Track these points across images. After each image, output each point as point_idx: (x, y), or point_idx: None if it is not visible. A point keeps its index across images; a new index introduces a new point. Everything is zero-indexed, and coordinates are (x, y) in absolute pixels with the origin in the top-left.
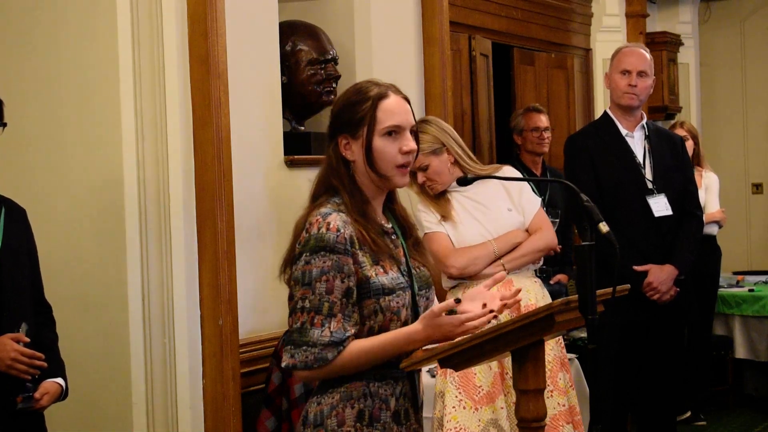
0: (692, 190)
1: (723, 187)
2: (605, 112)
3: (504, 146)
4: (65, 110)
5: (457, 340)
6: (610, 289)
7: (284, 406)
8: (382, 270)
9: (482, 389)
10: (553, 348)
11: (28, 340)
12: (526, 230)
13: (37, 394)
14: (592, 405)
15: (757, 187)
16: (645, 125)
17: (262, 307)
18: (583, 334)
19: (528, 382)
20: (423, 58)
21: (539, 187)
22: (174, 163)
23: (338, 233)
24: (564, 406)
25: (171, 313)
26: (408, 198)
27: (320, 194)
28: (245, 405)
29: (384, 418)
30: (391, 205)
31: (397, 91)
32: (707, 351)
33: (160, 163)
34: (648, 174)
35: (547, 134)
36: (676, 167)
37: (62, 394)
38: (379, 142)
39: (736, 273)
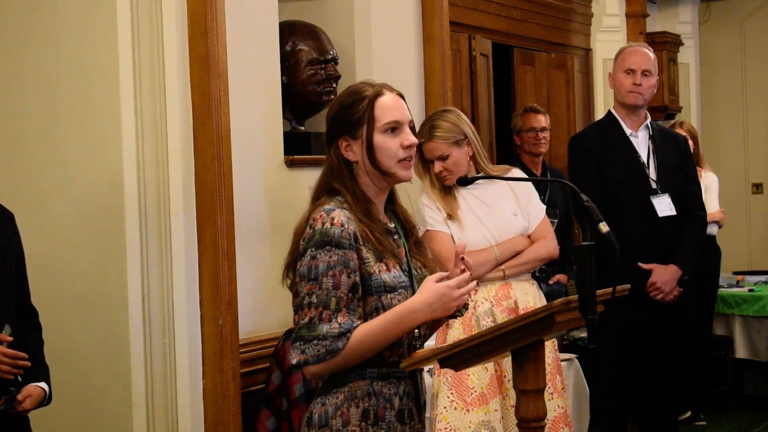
0: (695, 190)
1: (723, 187)
2: (609, 112)
3: (504, 146)
4: (65, 110)
5: (457, 340)
6: (610, 289)
7: (284, 406)
8: (385, 267)
9: (475, 390)
10: (551, 351)
11: (10, 339)
12: (528, 236)
13: (20, 396)
14: (592, 405)
15: (757, 187)
16: (649, 125)
17: (262, 307)
18: (583, 334)
19: (528, 382)
20: (423, 58)
21: (540, 187)
22: (174, 163)
23: (343, 228)
24: (562, 408)
25: (171, 313)
26: (408, 198)
27: (320, 196)
28: (245, 405)
29: (389, 418)
30: (392, 206)
31: (391, 89)
32: (707, 351)
33: (160, 163)
34: (652, 174)
35: (543, 135)
36: (680, 167)
37: (45, 399)
38: (380, 139)
39: (736, 273)
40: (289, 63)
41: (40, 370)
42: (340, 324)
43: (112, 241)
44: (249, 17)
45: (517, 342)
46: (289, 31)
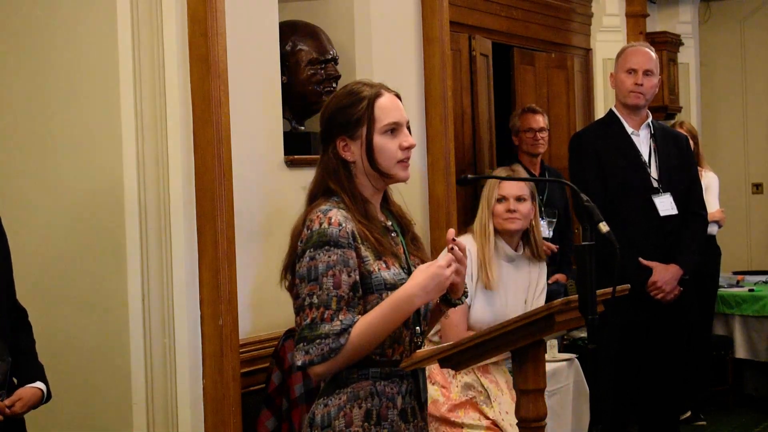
0: (697, 189)
1: (723, 187)
2: (611, 111)
3: (504, 146)
4: (65, 110)
5: (457, 340)
6: (610, 289)
7: (284, 406)
8: (384, 265)
9: None
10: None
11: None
12: None
13: (7, 401)
14: (592, 405)
15: (757, 187)
16: (650, 124)
17: (262, 307)
18: (583, 334)
19: (528, 382)
20: (423, 58)
21: (538, 187)
22: (174, 163)
23: (340, 227)
24: None
25: (171, 313)
26: (400, 196)
27: (317, 198)
28: (245, 405)
29: (391, 417)
30: (387, 204)
31: (388, 89)
32: (707, 351)
33: (160, 163)
34: (653, 173)
35: (542, 135)
36: (681, 166)
37: (43, 398)
38: (380, 141)
39: (736, 273)
40: (289, 63)
41: (34, 370)
42: (341, 321)
43: (112, 241)
44: (249, 17)
45: (517, 342)
46: (289, 31)
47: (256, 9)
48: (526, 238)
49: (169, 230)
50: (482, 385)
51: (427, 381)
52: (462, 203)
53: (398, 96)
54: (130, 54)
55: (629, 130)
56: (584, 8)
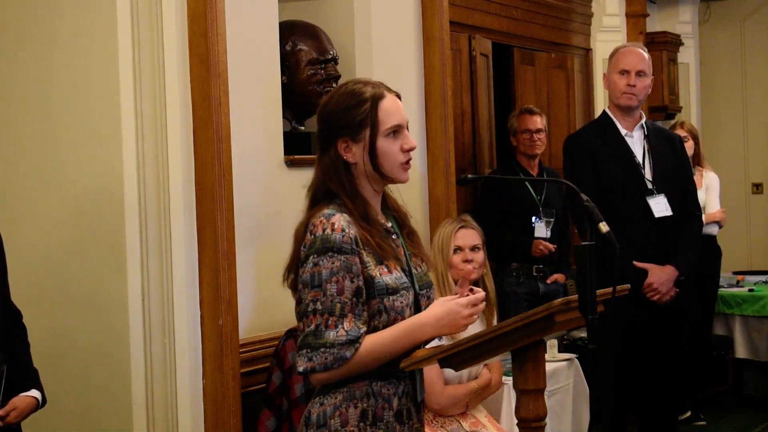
0: (692, 190)
1: (723, 187)
2: (604, 112)
3: (504, 147)
4: (65, 110)
5: (457, 340)
6: (610, 289)
7: (285, 406)
8: (386, 270)
9: None
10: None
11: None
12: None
13: (1, 412)
14: (592, 405)
15: (757, 187)
16: (644, 125)
17: (262, 307)
18: (583, 334)
19: (528, 382)
20: (423, 58)
21: (538, 186)
22: (174, 163)
23: (343, 233)
24: None
25: (171, 313)
26: (398, 194)
27: (319, 200)
28: (245, 405)
29: (387, 418)
30: (385, 202)
31: (389, 89)
32: (707, 351)
33: (160, 163)
34: (648, 174)
35: (539, 136)
36: (676, 167)
37: (38, 406)
38: (383, 143)
39: (736, 273)
40: (289, 63)
41: (28, 378)
42: (347, 331)
43: (112, 241)
44: (249, 17)
45: (517, 342)
46: (289, 31)
47: (256, 9)
48: (480, 286)
49: (169, 230)
50: (465, 430)
51: None
52: (462, 203)
53: (398, 96)
54: (130, 54)
55: (623, 131)
56: (584, 8)
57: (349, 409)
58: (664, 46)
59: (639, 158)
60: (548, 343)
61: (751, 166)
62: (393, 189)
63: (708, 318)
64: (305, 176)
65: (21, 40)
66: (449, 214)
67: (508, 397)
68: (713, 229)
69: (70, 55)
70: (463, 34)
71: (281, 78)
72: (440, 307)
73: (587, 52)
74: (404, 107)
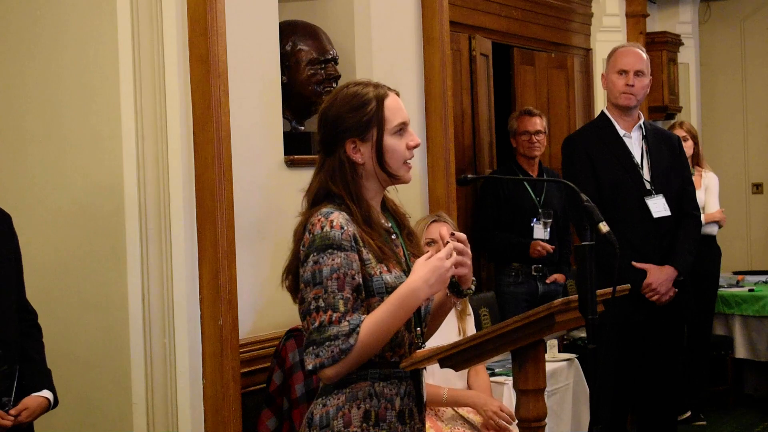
0: (690, 190)
1: (723, 187)
2: (602, 112)
3: (504, 147)
4: (66, 110)
5: (457, 340)
6: (610, 289)
7: (285, 406)
8: (386, 269)
9: None
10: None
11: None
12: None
13: (13, 411)
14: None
15: (757, 187)
16: (642, 125)
17: (262, 307)
18: (583, 334)
19: (528, 382)
20: (423, 58)
21: (537, 187)
22: (174, 163)
23: (342, 230)
24: None
25: (171, 313)
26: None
27: (318, 202)
28: (245, 405)
29: (390, 418)
30: (384, 204)
31: (389, 88)
32: (707, 351)
33: (160, 163)
34: (646, 174)
35: (538, 138)
36: (674, 167)
37: (50, 406)
38: (390, 141)
39: (736, 273)
40: (289, 63)
41: (40, 378)
42: (349, 321)
43: (112, 241)
44: (249, 17)
45: (517, 342)
46: (289, 31)
47: (256, 9)
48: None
49: (169, 230)
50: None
51: None
52: (462, 203)
53: (398, 94)
54: (130, 54)
55: (621, 131)
56: (584, 8)
57: (352, 410)
58: (664, 46)
59: (637, 159)
60: (548, 343)
61: (751, 166)
62: (391, 189)
63: (708, 318)
64: (305, 176)
65: (21, 41)
66: (449, 214)
67: (509, 397)
68: (713, 229)
69: (72, 56)
70: (463, 34)
71: (281, 78)
72: (423, 268)
73: (587, 52)
74: (404, 107)
